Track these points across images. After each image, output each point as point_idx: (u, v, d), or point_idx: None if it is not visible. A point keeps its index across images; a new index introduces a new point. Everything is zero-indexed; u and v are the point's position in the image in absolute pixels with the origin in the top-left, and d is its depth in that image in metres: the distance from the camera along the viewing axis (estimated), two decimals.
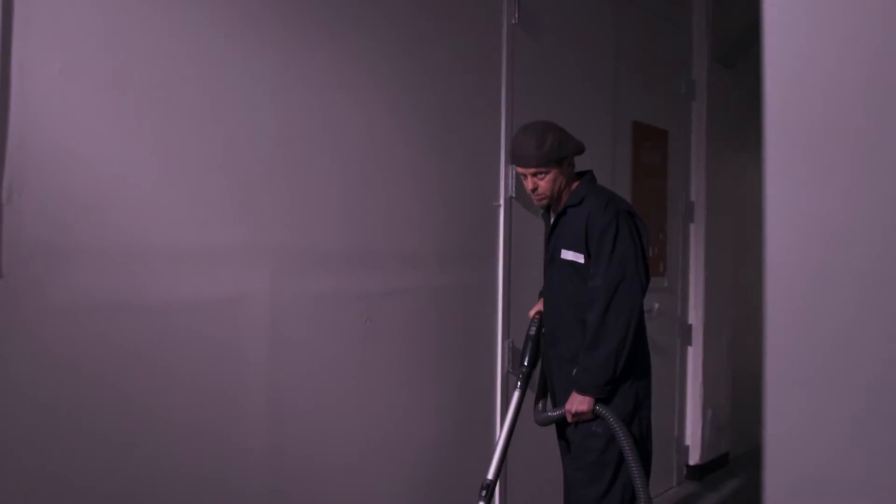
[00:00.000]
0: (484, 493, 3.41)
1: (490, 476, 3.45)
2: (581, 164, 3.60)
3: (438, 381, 3.81)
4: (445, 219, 3.85)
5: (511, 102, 4.19)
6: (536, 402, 3.64)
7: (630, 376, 3.31)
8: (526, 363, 3.64)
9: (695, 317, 6.09)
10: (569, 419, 3.35)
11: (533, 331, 3.68)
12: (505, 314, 4.15)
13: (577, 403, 3.30)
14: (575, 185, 3.46)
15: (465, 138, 3.97)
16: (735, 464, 6.45)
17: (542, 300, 3.71)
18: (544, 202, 3.45)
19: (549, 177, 3.37)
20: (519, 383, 3.60)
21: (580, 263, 3.35)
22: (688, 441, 6.05)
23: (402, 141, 3.61)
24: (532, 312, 3.74)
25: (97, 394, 2.52)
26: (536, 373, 3.69)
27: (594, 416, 3.31)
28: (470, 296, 4.01)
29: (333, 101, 3.28)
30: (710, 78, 6.18)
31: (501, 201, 4.15)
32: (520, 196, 4.22)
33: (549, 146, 3.33)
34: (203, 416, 2.82)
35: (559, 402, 3.47)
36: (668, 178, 5.82)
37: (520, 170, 3.42)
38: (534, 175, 3.38)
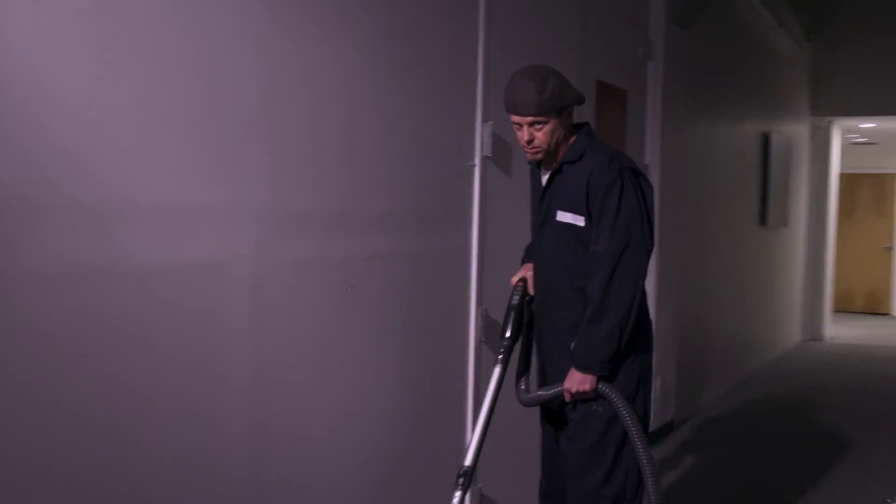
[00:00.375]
0: (461, 480, 3.07)
1: (468, 462, 3.10)
2: None
3: (413, 352, 3.58)
4: (422, 180, 3.61)
5: (487, 58, 3.95)
6: (518, 380, 3.31)
7: (633, 351, 3.08)
8: (508, 335, 3.27)
9: (648, 283, 5.97)
10: (567, 399, 3.09)
11: (516, 300, 3.33)
12: (479, 280, 3.94)
13: (579, 382, 3.03)
14: (572, 139, 3.14)
15: (440, 94, 3.72)
16: (682, 432, 6.40)
17: (526, 266, 3.40)
18: (539, 156, 3.12)
19: (547, 127, 3.03)
20: (499, 358, 3.24)
21: (580, 226, 3.06)
22: None
23: (379, 98, 3.35)
24: (515, 279, 3.38)
25: (73, 370, 2.24)
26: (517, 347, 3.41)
27: (596, 395, 3.06)
28: (444, 261, 3.79)
29: (313, 57, 3.00)
30: (666, 38, 6.04)
31: (476, 161, 3.92)
32: (495, 156, 4.00)
33: (550, 93, 2.99)
34: (185, 391, 2.55)
35: (553, 378, 3.19)
36: (626, 140, 5.67)
37: (515, 118, 3.06)
38: (531, 125, 3.03)
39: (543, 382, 3.28)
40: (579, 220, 3.06)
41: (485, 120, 3.93)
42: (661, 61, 6.00)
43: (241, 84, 2.72)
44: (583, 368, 3.03)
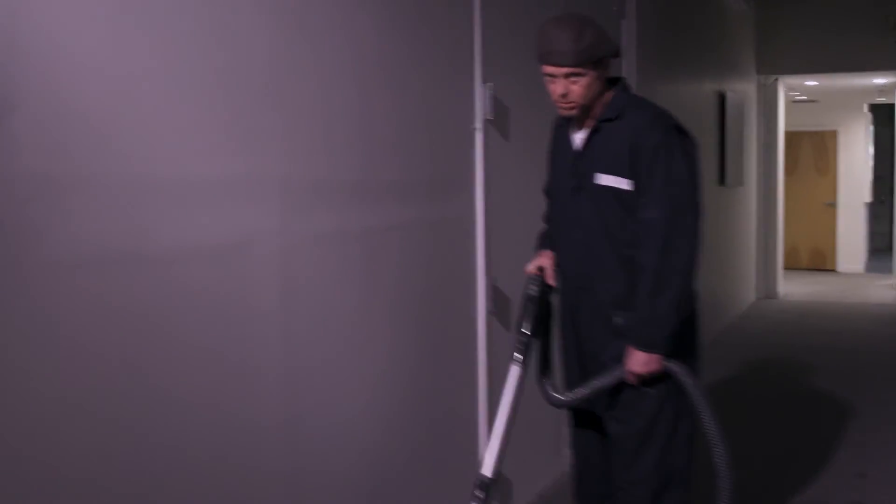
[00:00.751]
0: (479, 493, 2.80)
1: (489, 473, 2.83)
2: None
3: (426, 325, 3.38)
4: (429, 145, 3.40)
5: (484, 18, 3.74)
6: (543, 381, 3.05)
7: (682, 324, 2.86)
8: (526, 330, 2.99)
9: None
10: (633, 382, 2.83)
11: (534, 290, 3.05)
12: (486, 249, 3.75)
13: (644, 363, 2.77)
14: (608, 94, 2.91)
15: (441, 56, 3.51)
16: None
17: (544, 254, 3.11)
18: (574, 111, 2.85)
19: (584, 80, 2.78)
20: (517, 356, 2.94)
21: (624, 190, 2.82)
22: None
23: (384, 61, 3.12)
24: (531, 267, 3.11)
25: (98, 362, 2.00)
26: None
27: (664, 375, 2.81)
28: (452, 230, 3.60)
29: (322, 24, 2.77)
30: None
31: (478, 124, 3.72)
32: (496, 119, 3.81)
33: (588, 42, 2.74)
34: (216, 383, 2.33)
35: (593, 354, 2.95)
36: None
37: (549, 70, 2.80)
38: (566, 77, 2.78)
39: (577, 362, 3.04)
40: (623, 184, 2.83)
41: (484, 81, 3.73)
42: (634, 20, 5.86)
43: (251, 50, 2.48)
44: (647, 347, 2.79)
